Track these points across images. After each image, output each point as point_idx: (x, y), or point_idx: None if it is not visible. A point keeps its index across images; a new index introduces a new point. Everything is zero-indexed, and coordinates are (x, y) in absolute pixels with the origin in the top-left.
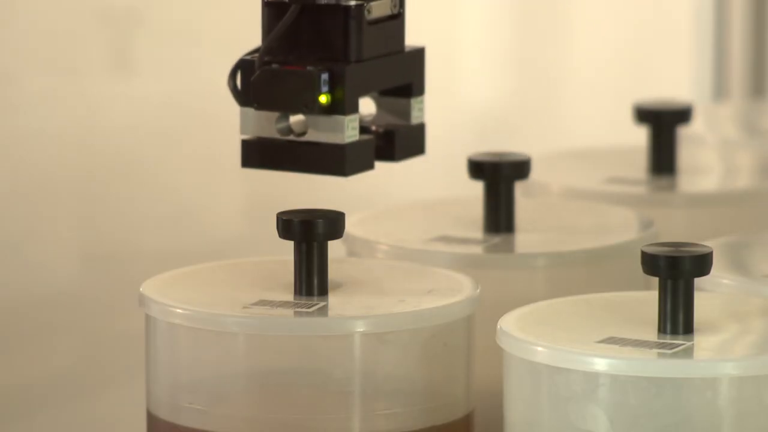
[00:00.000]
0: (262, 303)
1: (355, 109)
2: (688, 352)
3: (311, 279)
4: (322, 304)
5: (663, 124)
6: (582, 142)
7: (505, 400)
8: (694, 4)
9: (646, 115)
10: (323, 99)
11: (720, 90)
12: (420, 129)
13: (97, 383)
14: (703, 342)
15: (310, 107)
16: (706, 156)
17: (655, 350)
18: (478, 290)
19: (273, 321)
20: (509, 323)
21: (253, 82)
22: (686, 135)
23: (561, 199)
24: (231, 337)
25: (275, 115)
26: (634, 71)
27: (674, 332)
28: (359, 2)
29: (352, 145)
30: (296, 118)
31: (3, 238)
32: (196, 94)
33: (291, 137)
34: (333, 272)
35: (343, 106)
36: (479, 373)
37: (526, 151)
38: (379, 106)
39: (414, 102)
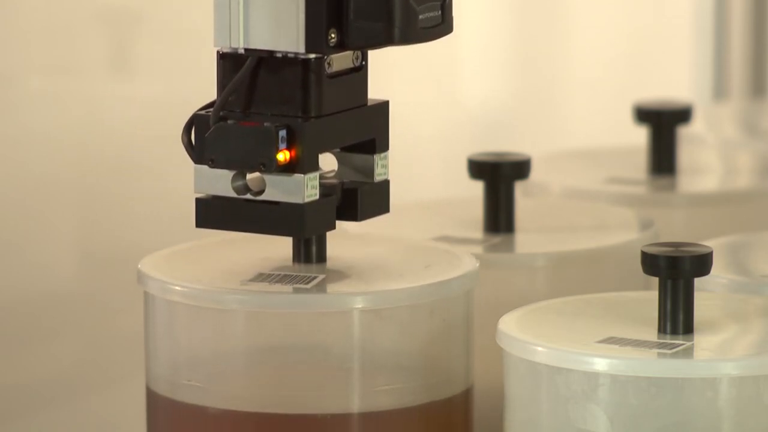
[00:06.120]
0: (260, 278)
1: (314, 167)
2: (688, 352)
3: (309, 248)
4: (320, 277)
5: (663, 124)
6: (582, 142)
7: (505, 400)
8: (694, 4)
9: (646, 115)
10: (281, 157)
11: (720, 90)
12: (384, 186)
13: (97, 383)
14: (703, 342)
15: (267, 165)
16: (706, 156)
17: (655, 350)
18: (477, 265)
19: (271, 298)
20: (509, 323)
21: (208, 138)
22: (686, 135)
23: (561, 199)
24: (229, 314)
25: (231, 172)
26: (634, 71)
27: (674, 332)
28: (319, 55)
29: (312, 204)
30: (253, 176)
31: (3, 238)
32: (195, 94)
33: (248, 196)
34: (331, 248)
35: (302, 164)
36: (479, 373)
37: (526, 151)
38: (341, 162)
39: (378, 159)
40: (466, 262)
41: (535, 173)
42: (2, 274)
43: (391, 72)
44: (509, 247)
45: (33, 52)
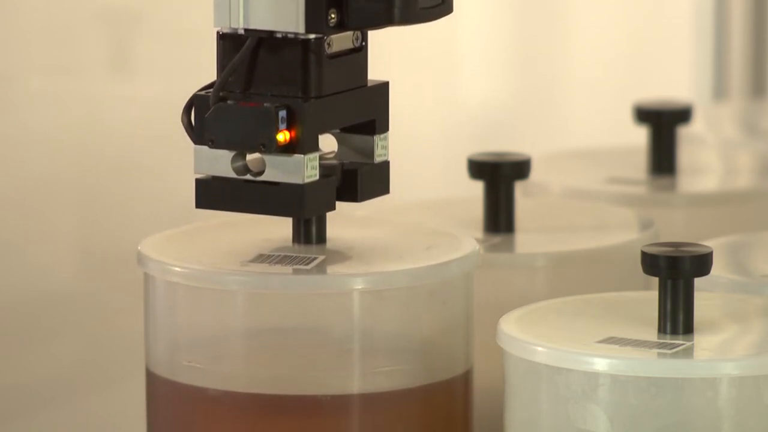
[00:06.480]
0: (260, 259)
1: (314, 147)
2: (688, 352)
3: (309, 229)
4: (320, 258)
5: (663, 124)
6: (582, 142)
7: (505, 400)
8: (694, 4)
9: (646, 115)
10: (281, 137)
11: (720, 90)
12: (384, 167)
13: (97, 383)
14: (703, 342)
15: (267, 146)
16: (706, 156)
17: (655, 350)
18: (477, 247)
19: (271, 279)
20: (509, 323)
21: (207, 119)
22: (686, 135)
23: (561, 199)
24: (229, 294)
25: (231, 153)
26: (634, 71)
27: (674, 332)
28: (319, 35)
29: (311, 185)
30: (253, 157)
31: (3, 238)
32: None
33: (247, 177)
34: (331, 229)
35: (302, 144)
36: (479, 372)
37: (526, 151)
38: (341, 143)
39: (378, 139)
40: (466, 244)
41: (535, 173)
42: (2, 274)
43: (391, 72)
44: (509, 247)
45: (33, 52)
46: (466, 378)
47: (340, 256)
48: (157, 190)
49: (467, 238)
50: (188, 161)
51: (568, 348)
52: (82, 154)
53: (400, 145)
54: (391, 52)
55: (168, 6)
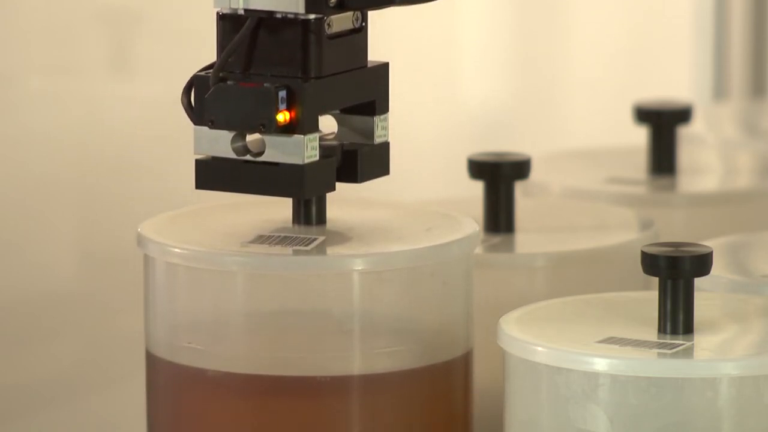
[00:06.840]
0: (260, 240)
1: (314, 128)
2: (688, 352)
3: (309, 210)
4: (320, 239)
5: (663, 124)
6: (582, 142)
7: (505, 400)
8: (694, 4)
9: (646, 115)
10: (281, 117)
11: (720, 90)
12: (384, 148)
13: (97, 383)
14: (703, 342)
15: (267, 126)
16: (706, 156)
17: (655, 350)
18: (477, 229)
19: (271, 260)
20: (509, 323)
21: (207, 99)
22: (686, 135)
23: (561, 199)
24: (229, 275)
25: (231, 134)
26: (634, 71)
27: (674, 332)
28: (319, 16)
29: (311, 165)
30: (253, 137)
31: (3, 238)
32: None
33: (247, 157)
34: (331, 211)
35: (302, 124)
36: (479, 373)
37: (526, 151)
38: (341, 124)
39: (378, 120)
40: (466, 225)
41: (535, 173)
42: (2, 274)
43: (391, 72)
44: (509, 247)
45: (33, 52)
46: (466, 359)
47: (340, 237)
48: (157, 190)
49: (467, 219)
50: (188, 161)
51: (568, 348)
52: (82, 154)
53: (400, 144)
54: (391, 52)
55: (168, 6)
